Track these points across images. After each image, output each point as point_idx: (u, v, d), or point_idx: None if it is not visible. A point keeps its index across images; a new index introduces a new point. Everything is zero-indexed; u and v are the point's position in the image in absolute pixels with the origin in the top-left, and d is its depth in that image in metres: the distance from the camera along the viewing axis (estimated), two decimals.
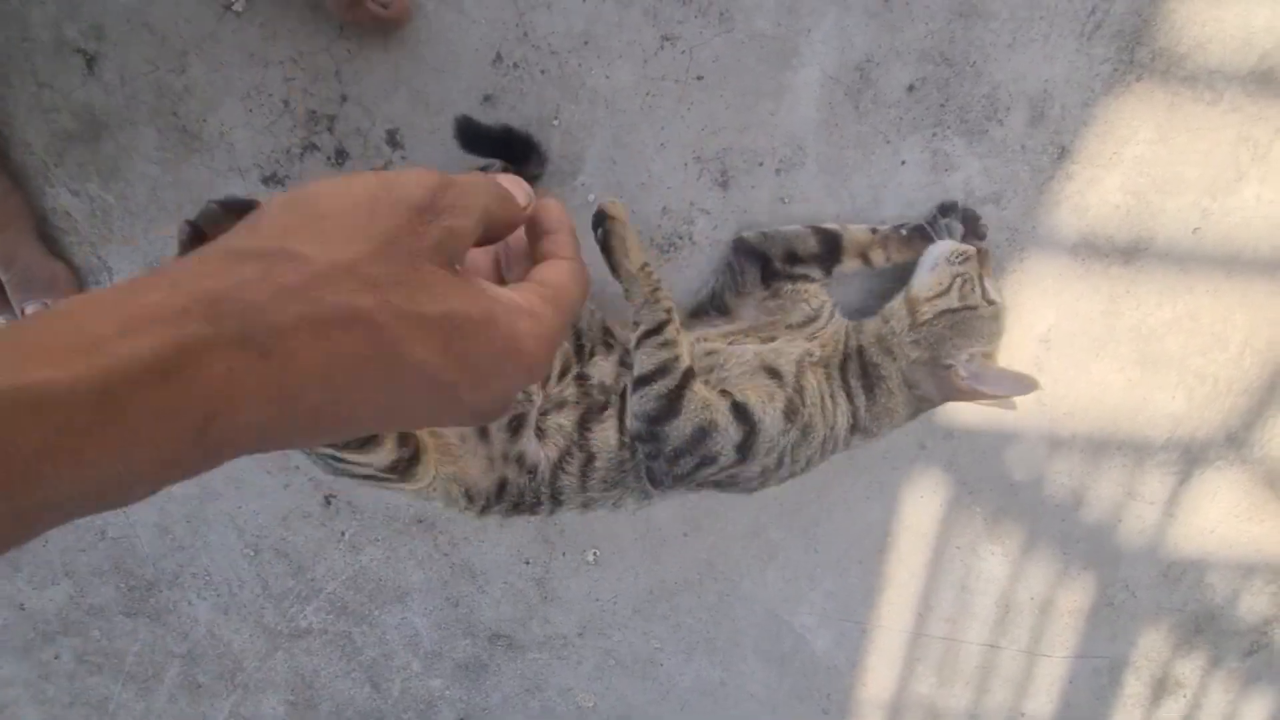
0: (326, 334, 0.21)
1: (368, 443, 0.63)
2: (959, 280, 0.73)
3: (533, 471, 0.70)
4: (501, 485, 0.70)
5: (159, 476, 0.19)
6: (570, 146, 0.82)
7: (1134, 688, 1.05)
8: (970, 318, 0.73)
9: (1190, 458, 0.94)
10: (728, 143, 0.82)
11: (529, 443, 0.71)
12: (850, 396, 0.75)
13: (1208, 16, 0.78)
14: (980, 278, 0.75)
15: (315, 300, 0.21)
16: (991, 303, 0.74)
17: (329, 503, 0.96)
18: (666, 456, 0.70)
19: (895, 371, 0.75)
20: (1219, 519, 0.96)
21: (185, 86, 0.79)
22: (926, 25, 0.78)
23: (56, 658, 1.08)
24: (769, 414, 0.70)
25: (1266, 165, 0.83)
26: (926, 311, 0.73)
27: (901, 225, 0.81)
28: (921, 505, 0.95)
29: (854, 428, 0.75)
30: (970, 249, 0.76)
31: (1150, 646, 1.02)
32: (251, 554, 0.99)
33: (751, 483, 0.73)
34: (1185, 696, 1.06)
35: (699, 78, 0.80)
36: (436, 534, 0.97)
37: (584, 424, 0.72)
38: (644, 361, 0.69)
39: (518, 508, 0.71)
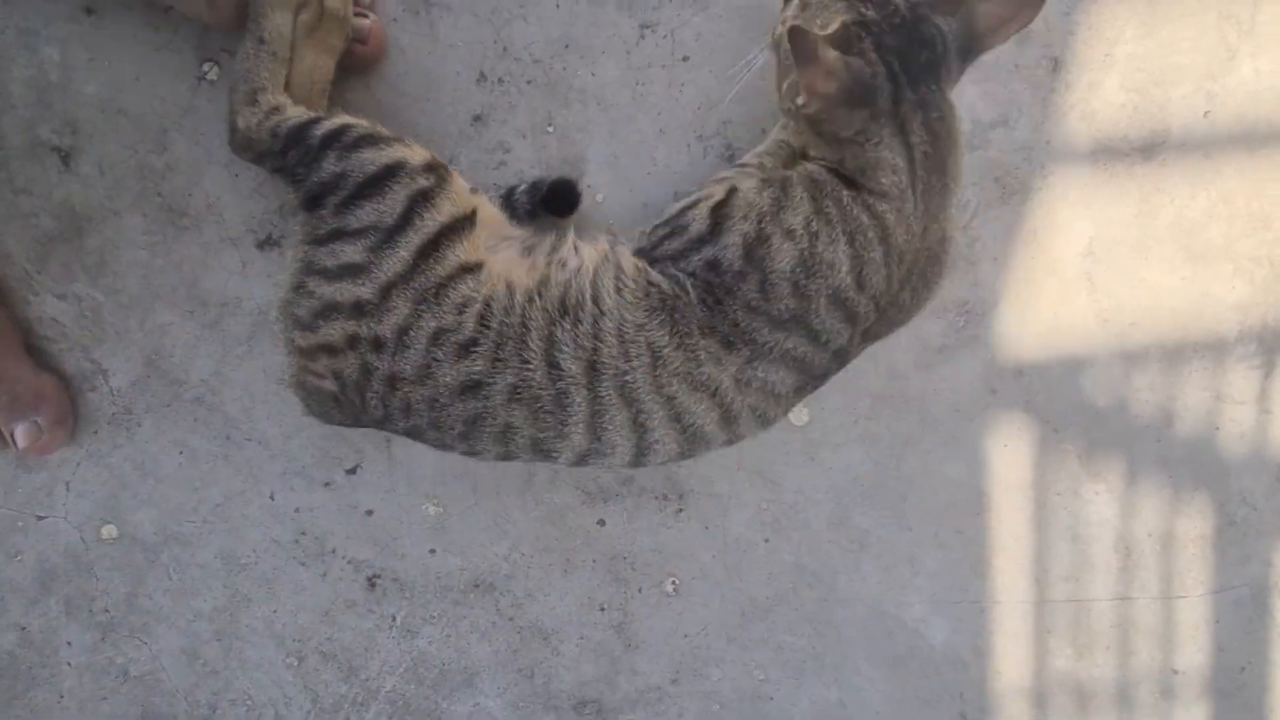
0: None
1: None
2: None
3: (575, 272, 0.67)
4: (544, 281, 0.66)
5: None
6: (569, 150, 0.81)
7: None
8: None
9: (1268, 347, 0.90)
10: (726, 115, 0.81)
11: (569, 252, 0.69)
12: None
13: None
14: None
15: None
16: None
17: (373, 585, 0.88)
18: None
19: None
20: None
21: (167, 164, 0.78)
22: None
23: None
24: (746, 184, 0.66)
25: (1255, 39, 0.84)
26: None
27: None
28: (1008, 455, 0.90)
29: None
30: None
31: None
32: (295, 663, 0.89)
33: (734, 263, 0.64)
34: None
35: (685, 59, 0.80)
36: (497, 596, 0.89)
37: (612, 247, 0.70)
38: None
39: (563, 306, 0.65)
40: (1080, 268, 0.88)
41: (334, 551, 0.87)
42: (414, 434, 0.67)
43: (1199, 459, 0.92)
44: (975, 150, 0.85)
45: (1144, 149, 0.86)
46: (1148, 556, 0.94)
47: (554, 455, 0.65)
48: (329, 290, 0.64)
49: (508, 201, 0.77)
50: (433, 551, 0.88)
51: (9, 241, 0.78)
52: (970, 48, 0.63)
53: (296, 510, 0.87)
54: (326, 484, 0.86)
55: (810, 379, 0.67)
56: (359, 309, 0.63)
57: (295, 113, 0.66)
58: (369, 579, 0.88)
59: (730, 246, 0.63)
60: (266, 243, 0.80)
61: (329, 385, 0.66)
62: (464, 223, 0.66)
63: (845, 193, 0.63)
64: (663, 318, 0.63)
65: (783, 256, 0.62)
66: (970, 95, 0.83)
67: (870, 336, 0.68)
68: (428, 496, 0.87)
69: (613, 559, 0.89)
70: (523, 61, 0.79)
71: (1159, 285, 0.88)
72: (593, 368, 0.63)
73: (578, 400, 0.63)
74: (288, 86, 0.69)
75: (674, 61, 0.81)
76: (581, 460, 0.66)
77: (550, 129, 0.81)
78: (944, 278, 0.69)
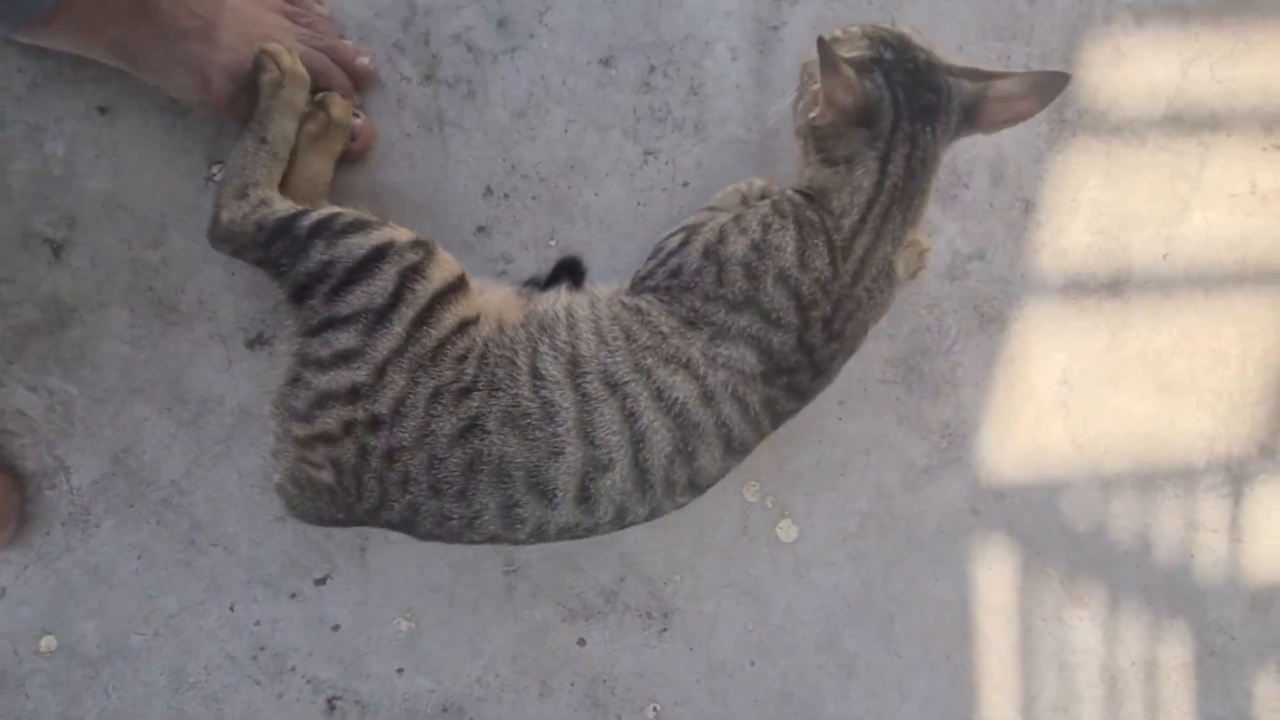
0: None
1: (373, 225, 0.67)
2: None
3: (554, 299, 0.71)
4: (531, 311, 0.70)
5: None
6: None
7: None
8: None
9: (1234, 475, 0.94)
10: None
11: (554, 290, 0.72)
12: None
13: (1114, 77, 0.90)
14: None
15: None
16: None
17: (333, 708, 0.82)
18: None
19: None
20: None
21: (163, 259, 0.77)
22: None
23: None
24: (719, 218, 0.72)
25: (1203, 193, 0.92)
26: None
27: None
28: (993, 577, 0.90)
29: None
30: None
31: (1267, 693, 0.95)
32: None
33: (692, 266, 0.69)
34: None
35: (685, 184, 0.84)
36: None
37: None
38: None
39: (542, 325, 0.68)
40: (1056, 395, 0.91)
41: (293, 669, 0.82)
42: (409, 518, 0.65)
43: (1176, 586, 0.93)
44: (955, 280, 0.89)
45: (1110, 286, 0.91)
46: (1133, 684, 0.93)
47: (553, 489, 0.64)
48: (324, 380, 0.63)
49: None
50: (401, 671, 0.83)
51: None
52: (969, 119, 0.69)
53: (257, 623, 0.81)
54: (293, 595, 0.82)
55: (776, 366, 0.67)
56: (355, 393, 0.63)
57: (283, 206, 0.68)
58: (329, 700, 0.82)
59: (692, 252, 0.69)
60: (257, 341, 0.79)
61: (325, 476, 0.64)
62: (456, 284, 0.68)
63: (801, 199, 0.69)
64: (632, 313, 0.68)
65: (737, 246, 0.68)
66: (950, 231, 0.89)
67: (835, 335, 0.69)
68: (401, 610, 0.83)
69: (592, 681, 0.85)
70: (529, 179, 0.82)
71: (1130, 414, 0.92)
72: (573, 364, 0.65)
73: (564, 404, 0.64)
74: (286, 190, 0.71)
75: (675, 186, 0.84)
76: (583, 491, 0.64)
77: (553, 242, 0.83)
78: (895, 291, 0.72)
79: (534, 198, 0.82)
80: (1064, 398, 0.91)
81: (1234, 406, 0.94)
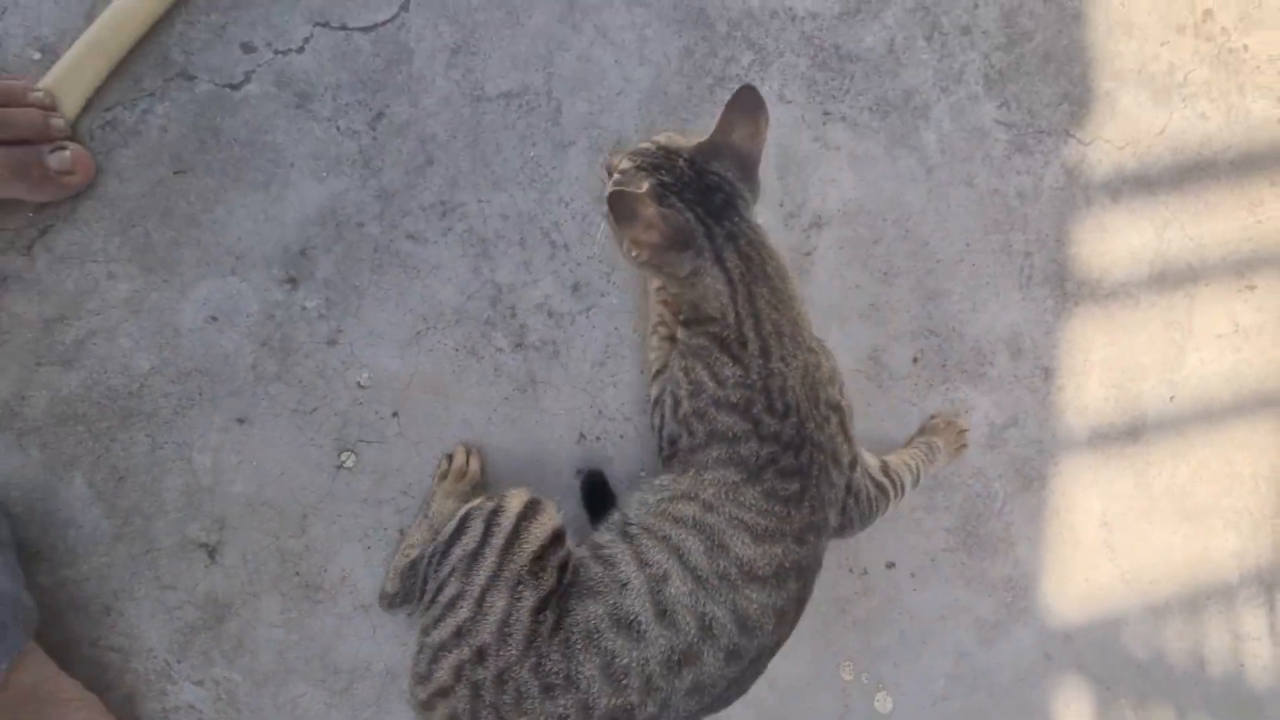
0: None
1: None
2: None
3: None
4: None
5: None
6: None
7: None
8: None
9: (1266, 584, 1.05)
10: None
11: None
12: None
13: (1102, 249, 1.03)
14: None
15: None
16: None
17: None
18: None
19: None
20: None
21: (305, 546, 0.86)
22: (907, 313, 0.99)
23: None
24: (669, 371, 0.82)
25: (1195, 337, 1.05)
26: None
27: None
28: (1072, 717, 0.99)
29: None
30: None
31: None
32: None
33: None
34: None
35: None
36: None
37: None
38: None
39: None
40: (1099, 537, 1.02)
41: None
42: None
43: (1234, 695, 1.03)
44: (995, 449, 1.01)
45: (1129, 433, 1.03)
46: None
47: (635, 619, 0.69)
48: (436, 634, 0.71)
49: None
50: None
51: (153, 636, 0.84)
52: (746, 167, 0.76)
53: None
54: None
55: (748, 469, 0.73)
56: (459, 634, 0.70)
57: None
58: None
59: (670, 420, 0.79)
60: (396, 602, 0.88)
61: None
62: (534, 505, 0.76)
63: (687, 332, 0.79)
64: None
65: (683, 403, 0.77)
66: (984, 405, 1.01)
67: (786, 411, 0.74)
68: None
69: None
70: (616, 420, 0.93)
71: (1167, 544, 1.03)
72: (624, 529, 0.75)
73: (623, 560, 0.72)
74: None
75: None
76: (659, 607, 0.69)
77: (642, 473, 0.93)
78: (809, 344, 0.77)
79: (621, 436, 0.93)
80: (1107, 539, 1.02)
81: (1255, 522, 1.05)
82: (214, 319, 0.86)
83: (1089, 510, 1.02)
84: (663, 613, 0.69)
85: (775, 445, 0.73)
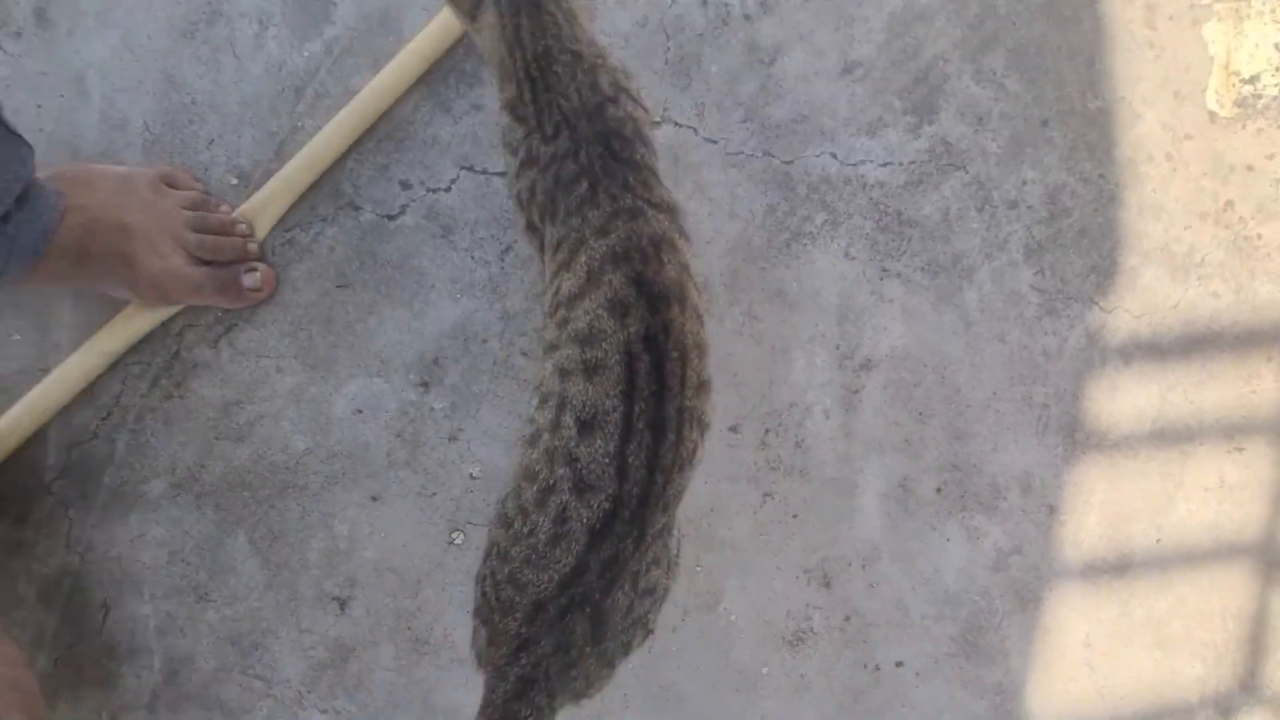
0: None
1: None
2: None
3: None
4: None
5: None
6: (711, 584, 1.11)
7: None
8: None
9: (1223, 709, 1.21)
10: (824, 555, 1.12)
11: None
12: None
13: (1111, 406, 1.19)
14: None
15: None
16: None
17: None
18: None
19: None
20: None
21: (418, 606, 1.04)
22: (936, 450, 1.15)
23: None
24: None
25: (1185, 489, 1.21)
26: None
27: None
28: None
29: None
30: None
31: None
32: None
33: None
34: None
35: (794, 516, 1.12)
36: None
37: None
38: None
39: None
40: (1082, 655, 1.18)
41: None
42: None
43: None
44: (999, 572, 1.17)
45: (1118, 568, 1.19)
46: None
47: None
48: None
49: None
50: None
51: (289, 670, 1.02)
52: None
53: None
54: None
55: (560, 207, 0.73)
56: None
57: None
58: None
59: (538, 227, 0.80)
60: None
61: None
62: None
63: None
64: None
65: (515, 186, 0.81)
66: (995, 534, 1.17)
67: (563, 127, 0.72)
68: None
69: None
70: (680, 524, 1.10)
71: (1140, 666, 1.19)
72: None
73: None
74: None
75: (787, 518, 1.13)
76: None
77: (699, 568, 1.11)
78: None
79: (684, 536, 1.10)
80: (1088, 657, 1.18)
81: (1219, 654, 1.21)
82: (359, 412, 1.04)
83: (1075, 631, 1.18)
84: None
85: (560, 163, 0.72)
